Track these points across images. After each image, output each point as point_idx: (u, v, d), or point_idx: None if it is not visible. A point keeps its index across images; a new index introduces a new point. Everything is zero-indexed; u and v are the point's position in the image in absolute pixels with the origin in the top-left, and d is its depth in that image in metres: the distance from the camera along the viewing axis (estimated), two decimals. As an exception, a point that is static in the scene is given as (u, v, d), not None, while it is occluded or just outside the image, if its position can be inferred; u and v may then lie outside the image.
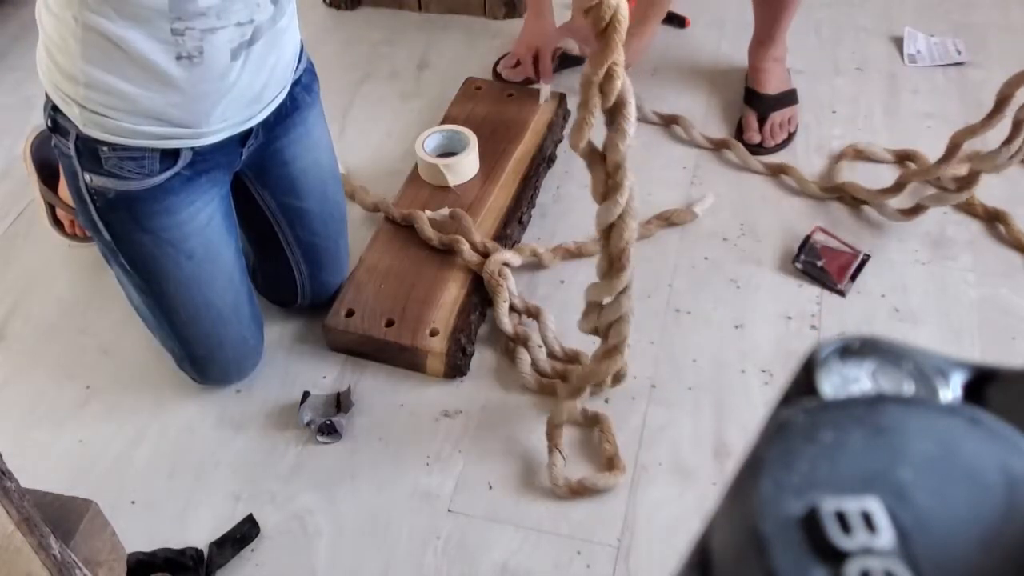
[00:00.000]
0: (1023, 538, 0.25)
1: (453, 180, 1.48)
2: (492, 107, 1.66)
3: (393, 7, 2.04)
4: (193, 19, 0.97)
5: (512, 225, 1.45)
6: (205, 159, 1.12)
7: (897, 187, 1.47)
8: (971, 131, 1.34)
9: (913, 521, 0.25)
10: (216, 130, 1.09)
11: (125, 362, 1.36)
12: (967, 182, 1.36)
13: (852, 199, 1.51)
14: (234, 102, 1.08)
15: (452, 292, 1.33)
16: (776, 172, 1.57)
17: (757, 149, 1.63)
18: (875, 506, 0.25)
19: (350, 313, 1.31)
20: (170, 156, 1.09)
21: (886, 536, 0.25)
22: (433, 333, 1.27)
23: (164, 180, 1.10)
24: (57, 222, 1.47)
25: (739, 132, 1.66)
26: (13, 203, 1.62)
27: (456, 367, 1.28)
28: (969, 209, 1.49)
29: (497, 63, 1.83)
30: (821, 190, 1.53)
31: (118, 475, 1.21)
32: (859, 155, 1.60)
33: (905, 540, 0.25)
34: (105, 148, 1.06)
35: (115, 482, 1.20)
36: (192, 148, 1.09)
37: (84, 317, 1.43)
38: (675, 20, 1.91)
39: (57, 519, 0.85)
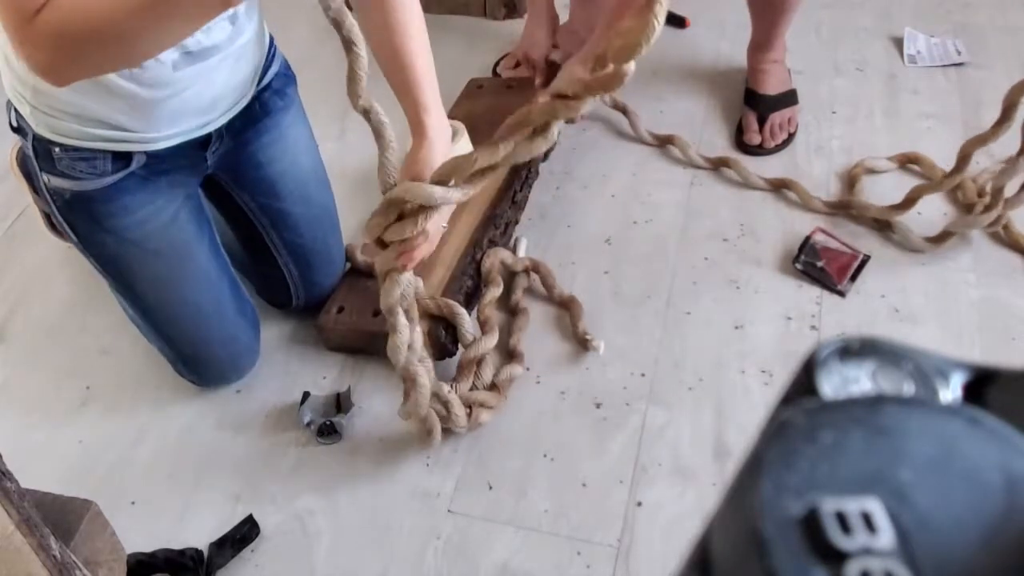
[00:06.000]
0: (1023, 538, 0.25)
1: None
2: (493, 101, 1.65)
3: (393, 8, 2.03)
4: None
5: (503, 205, 1.45)
6: (162, 161, 1.12)
7: (908, 203, 1.43)
8: (981, 140, 1.31)
9: (913, 521, 0.25)
10: (167, 136, 1.09)
11: (125, 362, 1.36)
12: (993, 201, 1.35)
13: (860, 216, 1.47)
14: (182, 111, 1.07)
15: (438, 275, 1.33)
16: (778, 187, 1.54)
17: (757, 150, 1.62)
18: (875, 506, 0.25)
19: (340, 310, 1.32)
20: (122, 158, 1.09)
21: (886, 536, 0.25)
22: None
23: (118, 180, 1.10)
24: (54, 227, 1.47)
25: (739, 133, 1.66)
26: (13, 204, 1.62)
27: (441, 345, 1.27)
28: (969, 209, 1.48)
29: (497, 63, 1.83)
30: (825, 205, 1.49)
31: (118, 475, 1.22)
32: (869, 171, 1.57)
33: (905, 540, 0.25)
34: (57, 148, 1.07)
35: (115, 482, 1.20)
36: (144, 152, 1.09)
37: (84, 317, 1.43)
38: (675, 20, 1.91)
39: (57, 519, 0.86)
